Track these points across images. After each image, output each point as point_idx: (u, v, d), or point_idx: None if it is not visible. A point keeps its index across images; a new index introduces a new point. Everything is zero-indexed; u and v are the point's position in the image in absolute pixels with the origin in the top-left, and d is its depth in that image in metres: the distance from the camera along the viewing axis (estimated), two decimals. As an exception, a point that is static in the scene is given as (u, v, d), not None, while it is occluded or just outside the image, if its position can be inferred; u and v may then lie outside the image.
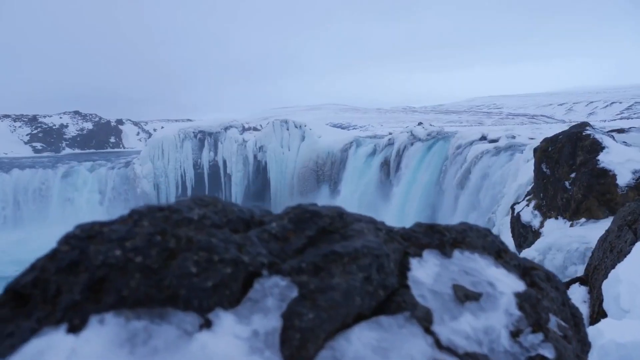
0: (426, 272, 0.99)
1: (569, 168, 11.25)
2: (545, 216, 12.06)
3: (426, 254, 1.06)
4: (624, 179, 10.22)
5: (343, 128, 66.86)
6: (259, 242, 0.94)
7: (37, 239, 33.12)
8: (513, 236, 13.16)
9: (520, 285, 1.08)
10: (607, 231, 6.68)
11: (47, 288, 0.80)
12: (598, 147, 10.91)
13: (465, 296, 0.96)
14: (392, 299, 0.94)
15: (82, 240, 0.85)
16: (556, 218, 11.58)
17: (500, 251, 1.17)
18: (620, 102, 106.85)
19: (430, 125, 33.34)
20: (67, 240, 0.85)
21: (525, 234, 12.52)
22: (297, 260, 0.92)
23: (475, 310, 0.96)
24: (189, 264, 0.84)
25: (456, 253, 1.09)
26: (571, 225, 10.85)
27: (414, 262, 1.01)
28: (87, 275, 0.80)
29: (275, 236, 0.98)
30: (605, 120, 58.42)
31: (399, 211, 28.30)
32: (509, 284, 1.05)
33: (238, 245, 0.91)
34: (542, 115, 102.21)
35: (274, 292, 0.85)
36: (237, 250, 0.90)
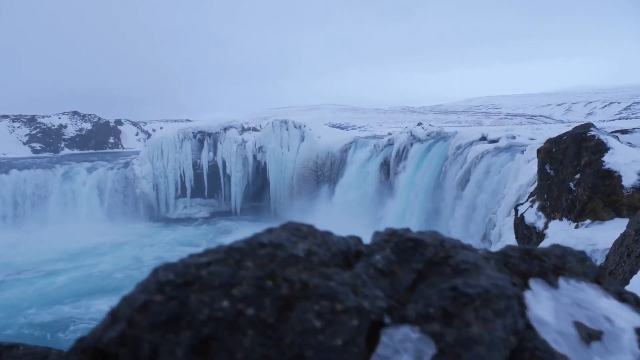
0: (545, 308, 0.86)
1: (573, 169, 11.16)
2: (549, 217, 11.97)
3: (532, 284, 0.93)
4: (629, 180, 10.16)
5: (342, 128, 66.71)
6: (369, 280, 0.81)
7: (36, 241, 32.71)
8: (517, 237, 13.08)
9: (636, 318, 0.96)
10: (623, 235, 6.57)
11: (139, 347, 0.65)
12: (603, 148, 10.83)
13: (588, 335, 0.85)
14: (523, 345, 0.81)
15: (180, 288, 0.70)
16: (560, 219, 11.50)
17: (598, 277, 1.06)
18: (619, 102, 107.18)
19: (430, 125, 33.24)
20: (161, 287, 0.69)
21: (529, 235, 12.44)
22: (421, 303, 0.78)
23: (602, 351, 0.84)
24: (311, 316, 0.69)
25: (561, 282, 0.97)
26: (576, 227, 10.76)
27: (528, 296, 0.89)
28: (190, 332, 0.66)
29: (382, 271, 0.84)
30: (604, 121, 58.54)
31: (399, 211, 28.22)
32: (626, 318, 0.93)
33: (352, 287, 0.77)
34: (540, 116, 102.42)
35: (407, 347, 0.70)
36: (353, 293, 0.75)
